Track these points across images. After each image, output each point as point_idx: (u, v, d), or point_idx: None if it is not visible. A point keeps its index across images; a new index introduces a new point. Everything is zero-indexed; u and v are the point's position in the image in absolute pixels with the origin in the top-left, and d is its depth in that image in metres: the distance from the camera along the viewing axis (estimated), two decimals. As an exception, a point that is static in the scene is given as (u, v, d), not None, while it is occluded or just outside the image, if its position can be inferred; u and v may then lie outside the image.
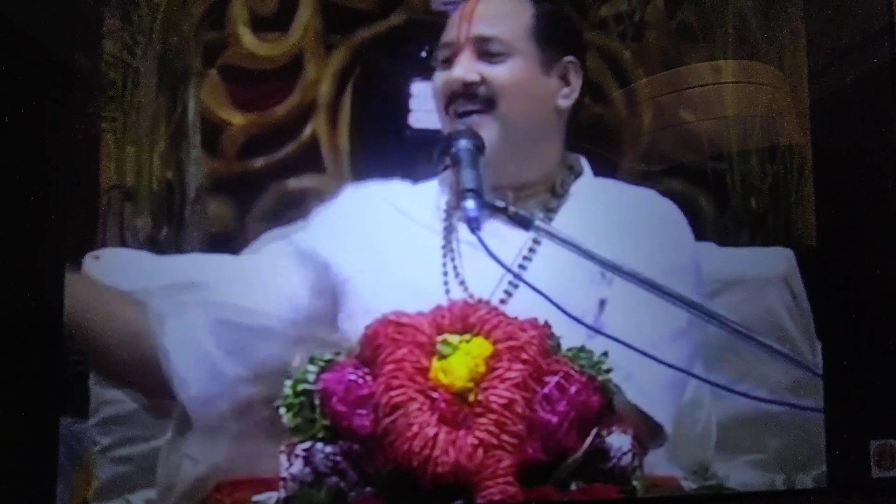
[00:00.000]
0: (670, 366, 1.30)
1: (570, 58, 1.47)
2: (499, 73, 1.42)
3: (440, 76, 1.45)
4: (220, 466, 1.38)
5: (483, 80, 1.42)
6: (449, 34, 1.45)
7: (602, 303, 1.38)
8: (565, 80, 1.47)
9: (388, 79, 1.70)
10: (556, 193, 1.46)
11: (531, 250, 1.40)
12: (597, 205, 1.46)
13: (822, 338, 1.50)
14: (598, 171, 1.53)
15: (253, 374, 1.34)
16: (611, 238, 1.35)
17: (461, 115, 1.42)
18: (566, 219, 1.43)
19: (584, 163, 1.50)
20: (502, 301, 1.36)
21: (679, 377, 1.36)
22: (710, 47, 1.76)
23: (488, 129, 1.41)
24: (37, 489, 1.39)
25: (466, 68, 1.42)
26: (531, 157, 1.45)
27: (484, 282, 1.37)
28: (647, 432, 1.31)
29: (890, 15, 1.43)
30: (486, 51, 1.43)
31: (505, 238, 1.37)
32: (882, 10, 1.43)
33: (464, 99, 1.42)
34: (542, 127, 1.46)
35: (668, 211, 1.47)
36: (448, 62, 1.44)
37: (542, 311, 1.23)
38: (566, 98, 1.47)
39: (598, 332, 1.29)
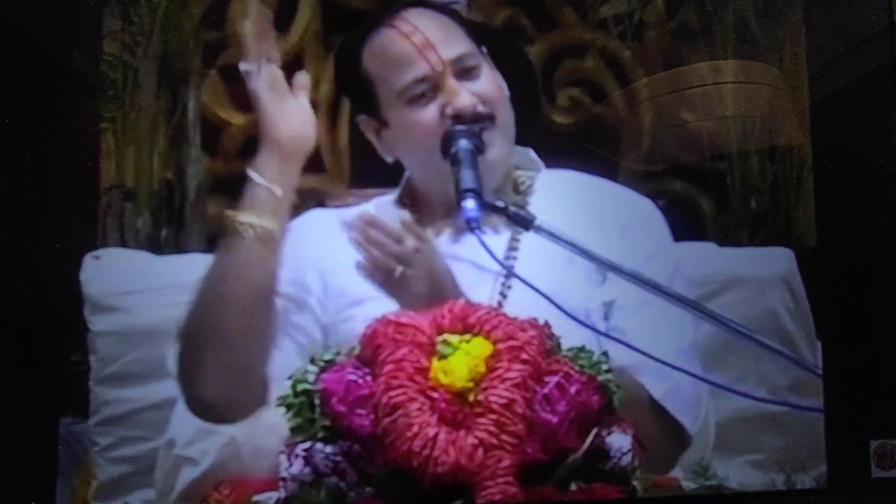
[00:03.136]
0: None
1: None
2: (483, 86, 1.39)
3: (424, 114, 1.38)
4: (220, 466, 1.38)
5: (478, 99, 1.38)
6: (418, 70, 1.37)
7: (606, 307, 1.37)
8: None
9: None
10: (519, 191, 1.44)
11: (511, 267, 1.37)
12: (566, 201, 1.43)
13: (822, 338, 1.50)
14: (599, 172, 1.53)
15: None
16: (595, 236, 1.33)
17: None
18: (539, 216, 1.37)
19: (532, 153, 1.48)
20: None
21: (704, 394, 1.37)
22: (710, 47, 1.76)
23: (499, 143, 1.39)
24: (37, 489, 1.39)
25: (465, 93, 1.37)
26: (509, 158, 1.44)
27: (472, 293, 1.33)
28: (666, 436, 1.32)
29: (890, 15, 1.43)
30: (463, 69, 1.38)
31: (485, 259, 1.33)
32: (882, 10, 1.43)
33: (468, 124, 1.36)
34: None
35: (648, 211, 1.45)
36: (425, 97, 1.38)
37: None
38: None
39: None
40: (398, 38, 1.39)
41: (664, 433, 1.31)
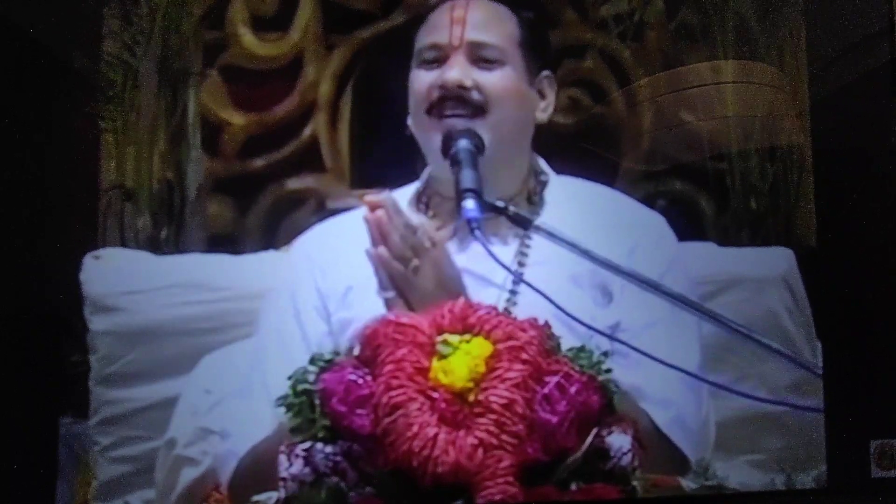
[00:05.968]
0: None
1: (547, 72, 1.46)
2: (492, 80, 1.40)
3: (424, 76, 1.42)
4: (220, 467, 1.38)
5: (476, 86, 1.39)
6: (438, 35, 1.42)
7: (611, 329, 1.35)
8: (542, 94, 1.46)
9: (388, 79, 1.70)
10: (532, 202, 1.45)
11: (518, 274, 1.37)
12: (579, 213, 1.43)
13: (822, 338, 1.50)
14: (599, 172, 1.53)
15: None
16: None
17: (448, 118, 1.39)
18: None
19: (542, 161, 1.49)
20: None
21: (707, 410, 1.37)
22: (710, 47, 1.76)
23: (486, 141, 1.38)
24: (37, 489, 1.39)
25: (462, 72, 1.39)
26: (512, 167, 1.44)
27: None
28: (666, 460, 1.31)
29: (890, 15, 1.43)
30: (480, 56, 1.40)
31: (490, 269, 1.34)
32: (882, 10, 1.43)
33: (454, 102, 1.39)
34: (524, 137, 1.45)
35: (660, 230, 1.45)
36: (433, 63, 1.41)
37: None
38: (544, 112, 1.46)
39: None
40: (446, 7, 1.44)
41: (664, 457, 1.31)
